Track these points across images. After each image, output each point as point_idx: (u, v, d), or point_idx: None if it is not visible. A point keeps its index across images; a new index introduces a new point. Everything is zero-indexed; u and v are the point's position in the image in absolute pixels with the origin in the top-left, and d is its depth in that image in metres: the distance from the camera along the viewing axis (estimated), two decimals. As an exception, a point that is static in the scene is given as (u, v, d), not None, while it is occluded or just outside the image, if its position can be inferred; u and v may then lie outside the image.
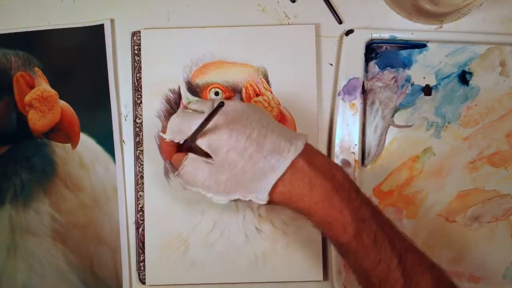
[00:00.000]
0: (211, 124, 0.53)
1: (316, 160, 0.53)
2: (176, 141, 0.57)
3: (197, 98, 0.68)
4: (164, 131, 0.58)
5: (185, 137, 0.56)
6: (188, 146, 0.57)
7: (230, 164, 0.53)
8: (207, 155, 0.56)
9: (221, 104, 0.51)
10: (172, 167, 0.59)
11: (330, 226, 0.52)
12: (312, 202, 0.52)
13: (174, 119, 0.57)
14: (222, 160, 0.53)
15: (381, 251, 0.52)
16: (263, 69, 0.68)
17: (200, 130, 0.54)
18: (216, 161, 0.54)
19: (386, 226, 0.54)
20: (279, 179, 0.52)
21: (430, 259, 0.54)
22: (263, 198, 0.53)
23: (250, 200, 0.54)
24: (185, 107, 0.60)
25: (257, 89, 0.67)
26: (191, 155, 0.56)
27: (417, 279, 0.51)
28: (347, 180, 0.54)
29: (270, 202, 0.54)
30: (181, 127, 0.56)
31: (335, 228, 0.52)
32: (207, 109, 0.56)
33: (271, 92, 0.67)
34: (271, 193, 0.53)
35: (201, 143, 0.55)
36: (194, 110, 0.58)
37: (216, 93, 0.67)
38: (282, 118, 0.67)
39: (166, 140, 0.57)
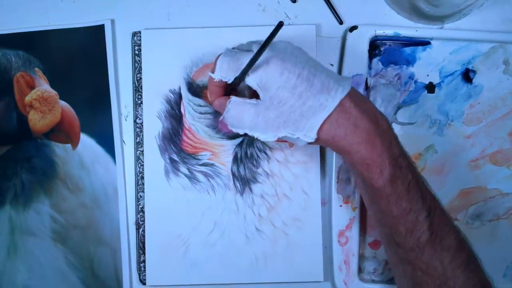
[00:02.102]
0: (261, 60, 0.53)
1: (363, 103, 0.54)
2: (225, 80, 0.56)
3: (197, 98, 0.68)
4: (212, 71, 0.56)
5: (235, 75, 0.55)
6: (233, 88, 0.57)
7: (280, 102, 0.53)
8: (250, 97, 0.56)
9: (281, 24, 0.50)
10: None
11: (368, 167, 0.52)
12: (354, 142, 0.52)
13: (223, 57, 0.56)
14: (272, 97, 0.53)
15: (412, 201, 0.53)
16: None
17: (253, 63, 0.53)
18: (265, 98, 0.54)
19: (420, 179, 0.54)
20: (327, 118, 0.52)
21: (455, 224, 0.55)
22: (311, 136, 0.53)
23: (297, 138, 0.54)
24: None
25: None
26: (234, 98, 0.55)
27: (442, 236, 0.53)
28: (390, 128, 0.55)
29: (316, 140, 0.54)
30: (231, 65, 0.55)
31: (372, 170, 0.52)
32: (255, 47, 0.55)
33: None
34: (318, 131, 0.53)
35: (251, 80, 0.54)
36: (241, 50, 0.57)
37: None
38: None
39: (215, 80, 0.56)
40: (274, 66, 0.53)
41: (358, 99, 0.54)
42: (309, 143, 0.54)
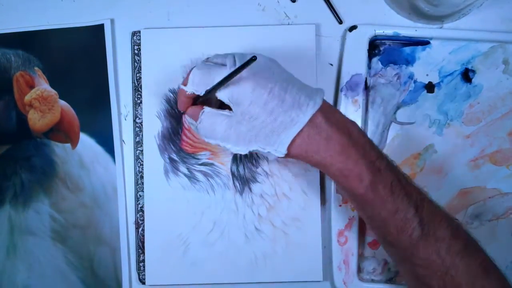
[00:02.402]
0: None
1: (333, 116, 0.54)
2: (197, 93, 0.57)
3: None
4: (184, 83, 0.57)
5: (206, 88, 0.56)
6: (203, 99, 0.57)
7: (251, 117, 0.53)
8: (220, 107, 0.56)
9: (254, 59, 0.51)
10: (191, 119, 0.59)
11: (347, 178, 0.53)
12: (328, 155, 0.53)
13: (196, 71, 0.57)
14: (243, 112, 0.54)
15: (397, 201, 0.53)
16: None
17: (224, 82, 0.53)
18: (237, 112, 0.54)
19: (402, 177, 0.55)
20: (298, 133, 0.53)
21: (446, 211, 0.55)
22: (281, 151, 0.54)
23: (268, 152, 0.54)
24: (206, 61, 0.60)
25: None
26: (207, 109, 0.56)
27: (435, 227, 0.53)
28: (362, 135, 0.55)
29: (287, 155, 0.54)
30: (203, 80, 0.56)
31: (351, 180, 0.53)
32: (229, 62, 0.56)
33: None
34: (289, 146, 0.53)
35: (222, 95, 0.55)
36: (215, 63, 0.58)
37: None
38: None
39: (187, 93, 0.57)
40: (246, 81, 0.53)
41: (328, 112, 0.54)
42: (280, 157, 0.55)
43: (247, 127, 0.54)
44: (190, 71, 0.57)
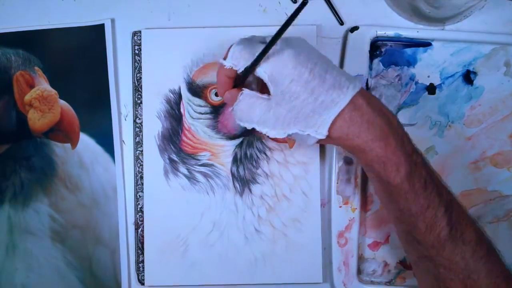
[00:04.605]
0: (274, 51, 0.52)
1: (374, 101, 0.53)
2: (236, 68, 0.55)
3: (197, 98, 0.67)
4: (224, 58, 0.55)
5: (246, 65, 0.54)
6: (244, 80, 0.56)
7: (291, 96, 0.52)
8: (261, 92, 0.55)
9: (306, 2, 0.48)
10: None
11: (384, 165, 0.52)
12: (369, 140, 0.52)
13: (235, 46, 0.55)
14: (284, 91, 0.52)
15: (430, 197, 0.53)
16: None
17: (267, 51, 0.51)
18: (277, 92, 0.53)
19: (434, 175, 0.54)
20: (339, 114, 0.52)
21: (472, 216, 0.55)
22: (322, 132, 0.52)
23: (308, 135, 0.53)
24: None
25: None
26: (246, 90, 0.55)
27: (462, 229, 0.53)
28: (401, 125, 0.54)
29: (328, 137, 0.53)
30: (243, 54, 0.54)
31: (389, 168, 0.52)
32: (269, 39, 0.53)
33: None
34: (330, 127, 0.52)
35: (262, 71, 0.53)
36: (255, 39, 0.56)
37: (217, 94, 0.67)
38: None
39: (225, 67, 0.55)
40: (288, 58, 0.52)
41: (369, 97, 0.53)
42: (320, 142, 0.54)
43: (287, 108, 0.52)
44: (230, 46, 0.55)
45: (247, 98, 0.55)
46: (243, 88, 0.55)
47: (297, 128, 0.53)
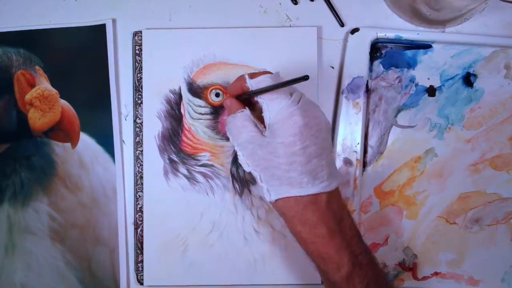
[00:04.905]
0: (289, 104, 0.52)
1: (334, 203, 0.54)
2: (251, 88, 0.55)
3: (198, 99, 0.68)
4: (251, 77, 0.55)
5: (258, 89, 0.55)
6: (243, 100, 0.56)
7: (273, 152, 0.53)
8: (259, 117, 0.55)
9: (306, 78, 0.49)
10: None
11: (324, 261, 0.53)
12: (313, 234, 0.52)
13: (269, 79, 0.55)
14: (270, 142, 0.53)
15: None
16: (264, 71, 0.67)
17: (272, 88, 0.52)
18: (267, 135, 0.53)
19: (380, 277, 0.54)
20: (295, 197, 0.52)
21: None
22: (270, 197, 0.53)
23: (261, 187, 0.54)
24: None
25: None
26: (246, 111, 0.55)
27: None
28: (353, 227, 0.55)
29: (274, 205, 0.54)
30: (263, 81, 0.54)
31: (329, 265, 0.53)
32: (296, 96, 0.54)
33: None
34: (280, 199, 0.53)
35: (267, 111, 0.53)
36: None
37: (217, 95, 0.67)
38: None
39: (245, 83, 0.55)
40: (293, 124, 0.52)
41: (334, 198, 0.54)
42: (269, 203, 0.55)
43: (263, 155, 0.53)
44: (265, 72, 0.56)
45: (243, 118, 0.55)
46: (246, 108, 0.56)
47: (259, 175, 0.54)
